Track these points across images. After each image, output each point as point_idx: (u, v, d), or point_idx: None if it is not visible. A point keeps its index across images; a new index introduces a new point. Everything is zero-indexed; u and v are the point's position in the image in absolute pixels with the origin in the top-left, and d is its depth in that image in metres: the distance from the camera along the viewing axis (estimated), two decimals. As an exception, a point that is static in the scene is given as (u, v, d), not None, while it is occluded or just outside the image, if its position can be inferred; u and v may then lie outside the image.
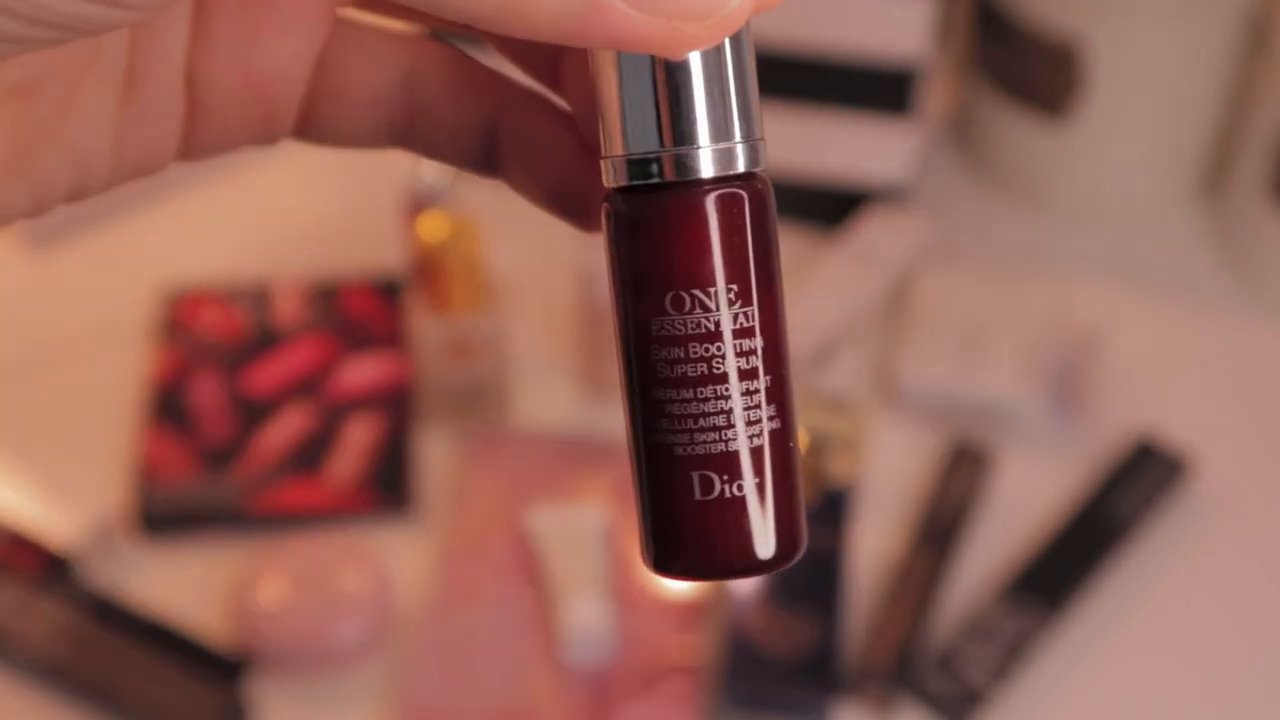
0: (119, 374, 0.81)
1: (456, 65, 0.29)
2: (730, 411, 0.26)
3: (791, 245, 0.87)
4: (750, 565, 0.26)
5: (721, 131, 0.25)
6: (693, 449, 0.26)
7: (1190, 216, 0.90)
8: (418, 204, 0.72)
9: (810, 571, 0.68)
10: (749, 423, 0.26)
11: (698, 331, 0.25)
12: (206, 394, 0.78)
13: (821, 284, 0.82)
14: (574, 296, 0.78)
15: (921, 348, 0.78)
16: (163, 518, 0.73)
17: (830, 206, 0.87)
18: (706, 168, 0.25)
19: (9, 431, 0.78)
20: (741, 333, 0.25)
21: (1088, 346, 0.79)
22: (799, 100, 0.83)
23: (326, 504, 0.74)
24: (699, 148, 0.25)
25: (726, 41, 0.25)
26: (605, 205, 0.26)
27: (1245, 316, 0.84)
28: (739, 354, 0.25)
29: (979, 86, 0.90)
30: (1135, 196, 0.90)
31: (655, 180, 0.25)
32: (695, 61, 0.25)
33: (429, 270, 0.70)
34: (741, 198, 0.25)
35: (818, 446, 0.72)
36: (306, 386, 0.79)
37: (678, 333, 0.25)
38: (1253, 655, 0.69)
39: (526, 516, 0.72)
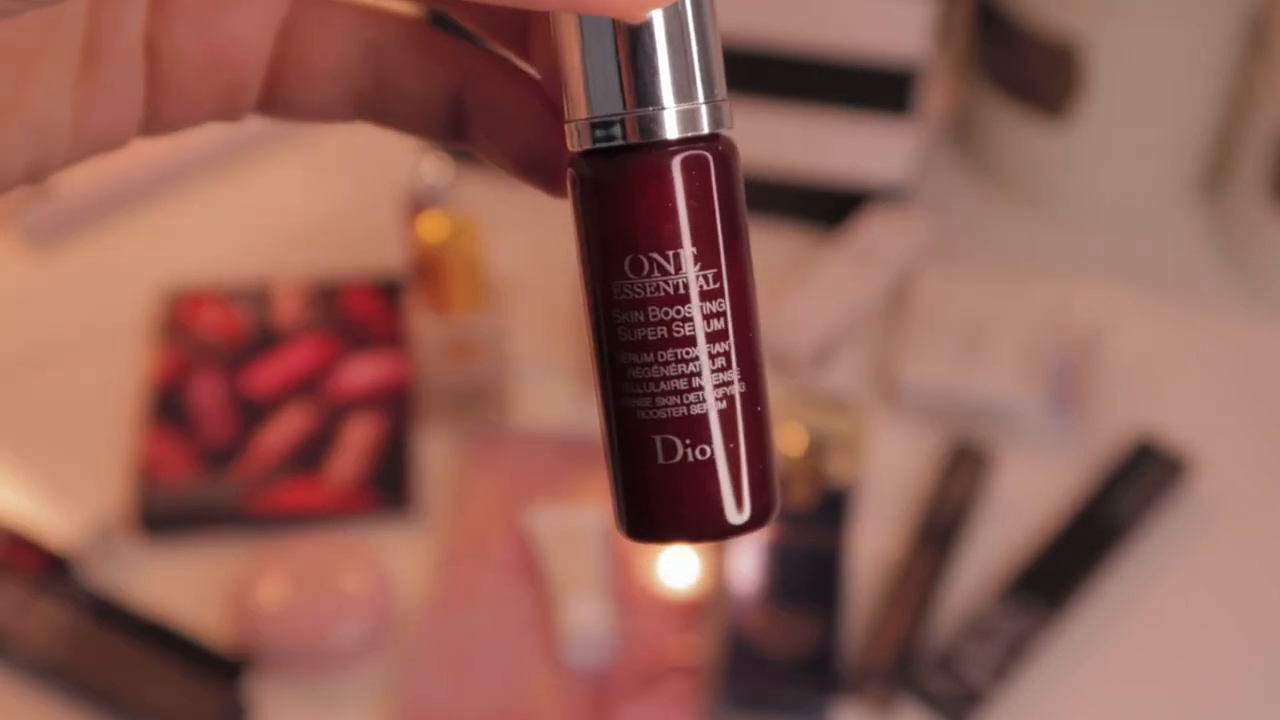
0: (119, 374, 0.81)
1: (421, 34, 0.29)
2: (694, 375, 0.25)
3: (791, 245, 0.87)
4: (718, 529, 0.26)
5: (684, 92, 0.25)
6: (655, 413, 0.26)
7: (1190, 216, 0.90)
8: (418, 204, 0.72)
9: (810, 571, 0.68)
10: (714, 386, 0.25)
11: (657, 295, 0.25)
12: (206, 394, 0.78)
13: (821, 284, 0.82)
14: (574, 296, 0.78)
15: (921, 348, 0.78)
16: (163, 518, 0.73)
17: (830, 206, 0.87)
18: (670, 129, 0.25)
19: (9, 431, 0.78)
20: (705, 295, 0.25)
21: (1088, 346, 0.79)
22: (799, 100, 0.83)
23: (326, 504, 0.74)
24: (662, 109, 0.25)
25: (687, 1, 0.25)
26: (570, 170, 0.26)
27: (1245, 316, 0.84)
28: (703, 316, 0.25)
29: (979, 86, 0.90)
30: (1135, 196, 0.90)
31: (618, 143, 0.25)
32: (657, 22, 0.25)
33: (429, 270, 0.70)
34: (705, 159, 0.25)
35: (818, 446, 0.72)
36: (306, 386, 0.79)
37: (638, 296, 0.25)
38: (1253, 655, 0.69)
39: (526, 516, 0.72)
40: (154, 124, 0.28)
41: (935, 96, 0.89)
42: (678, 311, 0.25)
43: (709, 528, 0.26)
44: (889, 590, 0.69)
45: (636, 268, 0.25)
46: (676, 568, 0.71)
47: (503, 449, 0.76)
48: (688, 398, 0.25)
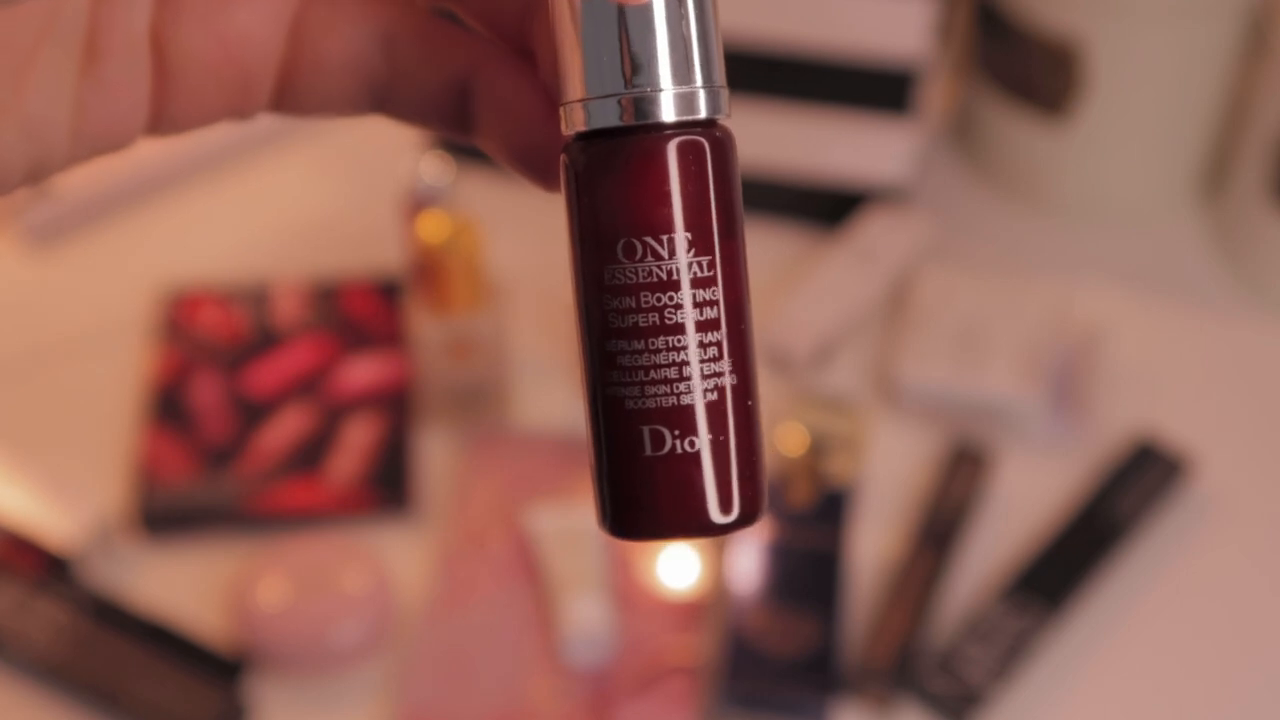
0: (119, 374, 0.81)
1: (431, 24, 0.28)
2: (684, 364, 0.25)
3: (791, 245, 0.87)
4: (704, 525, 0.25)
5: (682, 75, 0.25)
6: (643, 402, 0.25)
7: (1190, 217, 0.90)
8: (418, 204, 0.72)
9: (810, 571, 0.68)
10: (704, 376, 0.25)
11: (649, 280, 0.25)
12: (206, 394, 0.78)
13: (821, 284, 0.82)
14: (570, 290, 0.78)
15: (921, 348, 0.78)
16: (163, 518, 0.73)
17: (830, 206, 0.87)
18: (667, 112, 0.24)
19: (9, 431, 0.78)
20: (698, 283, 0.25)
21: (1088, 346, 0.79)
22: (799, 100, 0.83)
23: (326, 504, 0.74)
24: (659, 91, 0.24)
25: None
26: (563, 155, 0.26)
27: (1245, 316, 0.84)
28: (695, 304, 0.25)
29: (979, 86, 0.90)
30: (1135, 196, 0.90)
31: (614, 125, 0.25)
32: (657, 3, 0.24)
33: (429, 270, 0.70)
34: (702, 144, 0.25)
35: (818, 446, 0.72)
36: (306, 386, 0.79)
37: (629, 281, 0.25)
38: (1252, 655, 0.69)
39: (526, 516, 0.72)
40: (161, 123, 0.28)
41: (935, 96, 0.89)
42: (670, 298, 0.25)
43: (695, 524, 0.25)
44: (889, 590, 0.69)
45: (629, 252, 0.25)
46: (676, 568, 0.71)
47: (503, 449, 0.76)
48: (678, 387, 0.25)
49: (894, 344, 0.80)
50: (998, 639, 0.66)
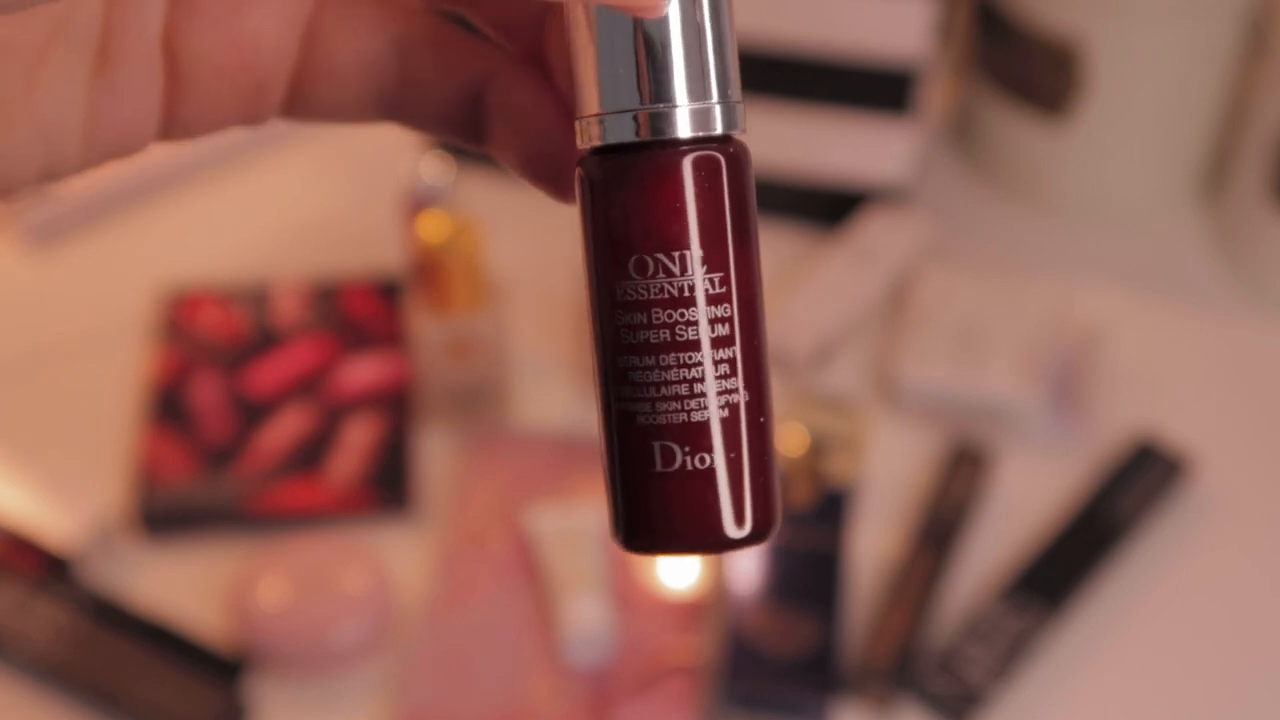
0: (119, 374, 0.81)
1: (444, 32, 0.28)
2: (696, 380, 0.25)
3: (791, 245, 0.87)
4: (715, 541, 0.25)
5: (698, 91, 0.24)
6: (654, 418, 0.25)
7: (1190, 217, 0.90)
8: (418, 204, 0.72)
9: (810, 571, 0.68)
10: (717, 393, 0.25)
11: (661, 296, 0.25)
12: (206, 394, 0.78)
13: (821, 284, 0.82)
14: (574, 296, 0.78)
15: (921, 348, 0.78)
16: (163, 518, 0.73)
17: (830, 206, 0.87)
18: (683, 128, 0.24)
19: (9, 431, 0.78)
20: (711, 300, 0.25)
21: (1088, 346, 0.79)
22: (799, 100, 0.83)
23: (326, 504, 0.74)
24: (675, 106, 0.24)
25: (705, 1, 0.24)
26: (578, 168, 0.26)
27: (1245, 316, 0.84)
28: (708, 321, 0.25)
29: (979, 86, 0.90)
30: (1135, 196, 0.90)
31: (629, 140, 0.25)
32: (674, 17, 0.24)
33: (429, 270, 0.70)
34: (717, 160, 0.25)
35: (818, 446, 0.72)
36: (306, 386, 0.79)
37: (641, 297, 0.25)
38: (1252, 655, 0.69)
39: (526, 516, 0.72)
40: (174, 127, 0.28)
41: (935, 96, 0.89)
42: (682, 314, 0.24)
43: (706, 540, 0.25)
44: (889, 590, 0.69)
45: (641, 268, 0.25)
46: (676, 568, 0.71)
47: (503, 449, 0.76)
48: (689, 404, 0.25)
49: (894, 344, 0.80)
50: (998, 639, 0.66)
